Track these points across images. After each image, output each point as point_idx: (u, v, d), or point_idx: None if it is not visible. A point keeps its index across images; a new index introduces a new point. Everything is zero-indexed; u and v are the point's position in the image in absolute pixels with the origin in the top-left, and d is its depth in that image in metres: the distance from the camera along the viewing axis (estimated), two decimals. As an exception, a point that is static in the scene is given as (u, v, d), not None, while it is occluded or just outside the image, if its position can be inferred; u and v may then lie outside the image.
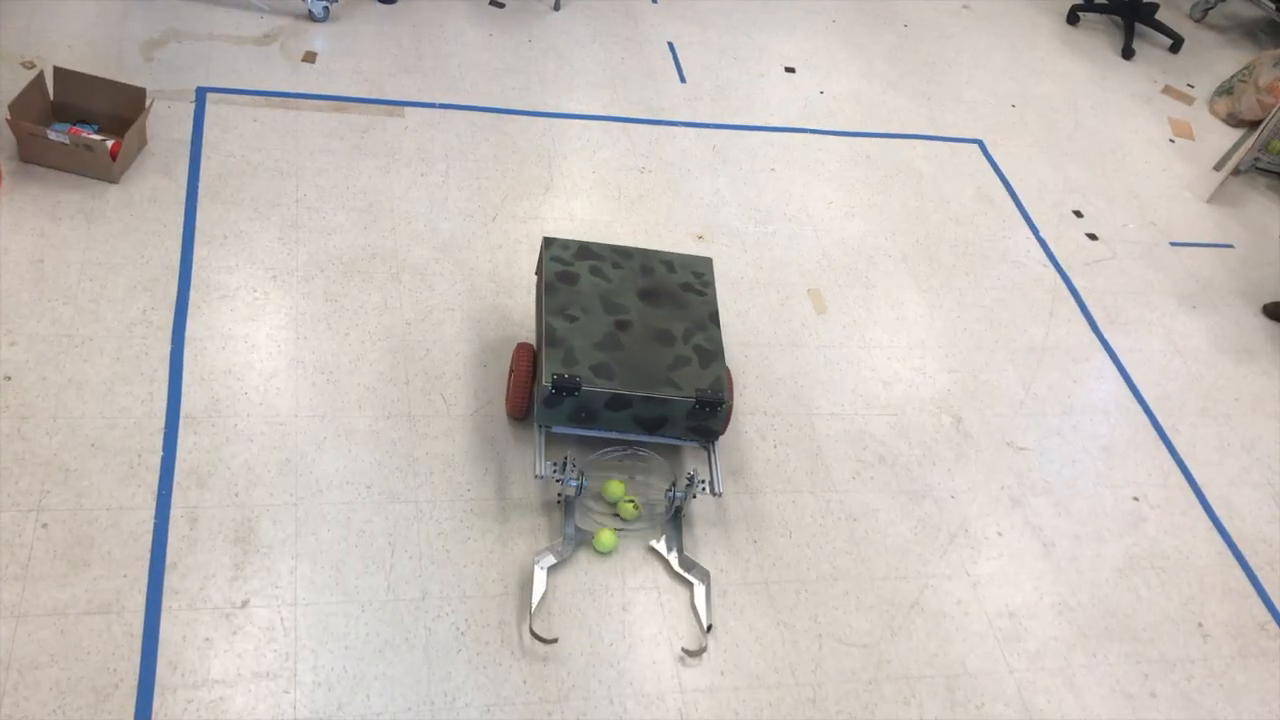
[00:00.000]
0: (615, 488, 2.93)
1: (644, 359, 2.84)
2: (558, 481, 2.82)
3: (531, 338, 3.26)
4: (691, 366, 2.86)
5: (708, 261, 3.15)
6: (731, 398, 2.94)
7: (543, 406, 2.80)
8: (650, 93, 4.45)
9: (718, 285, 3.65)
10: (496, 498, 2.89)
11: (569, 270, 3.01)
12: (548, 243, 3.06)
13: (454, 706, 2.46)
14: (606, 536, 2.82)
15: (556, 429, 2.88)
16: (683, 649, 2.69)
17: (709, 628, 2.72)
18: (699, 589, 2.78)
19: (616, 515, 2.93)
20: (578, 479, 2.80)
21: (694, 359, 2.88)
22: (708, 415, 2.85)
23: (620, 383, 2.77)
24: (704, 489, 2.86)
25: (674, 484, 2.89)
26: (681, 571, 2.81)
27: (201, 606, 2.51)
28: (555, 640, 2.60)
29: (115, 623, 2.44)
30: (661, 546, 2.86)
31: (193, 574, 2.56)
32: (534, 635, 2.60)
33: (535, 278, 3.22)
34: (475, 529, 2.80)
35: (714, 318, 3.01)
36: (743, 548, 2.93)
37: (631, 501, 2.90)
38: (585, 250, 3.08)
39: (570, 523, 2.84)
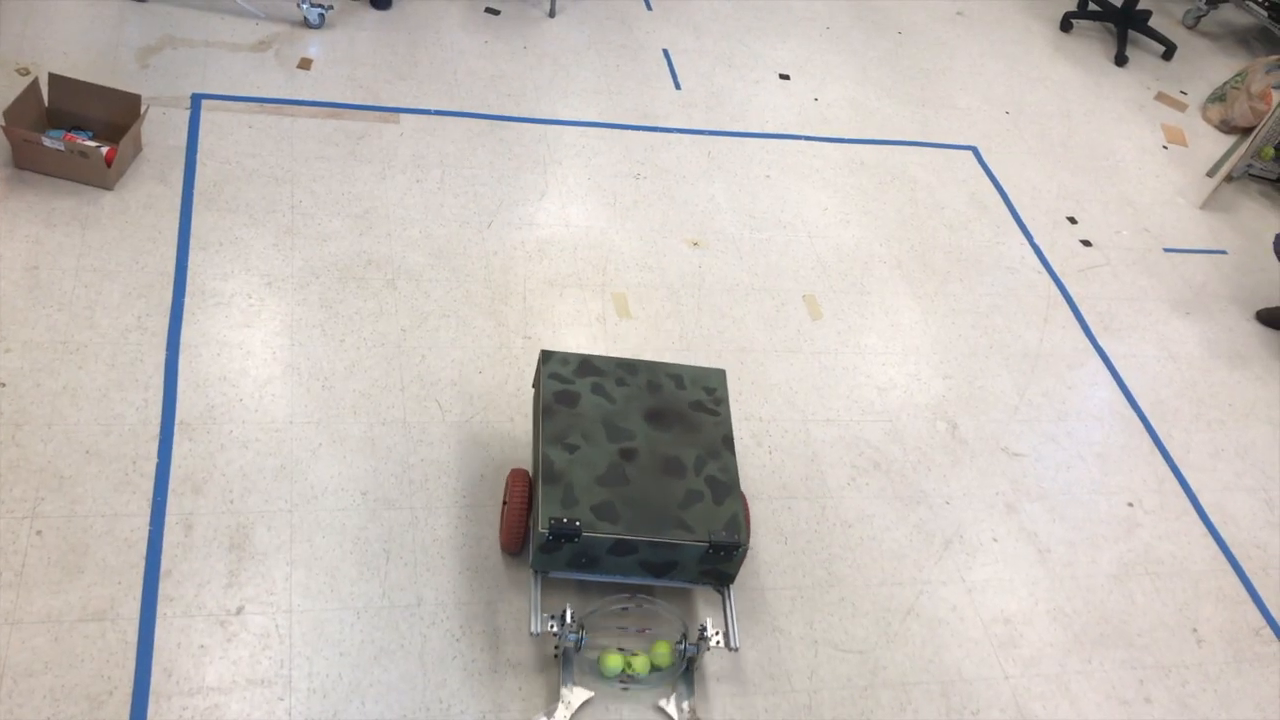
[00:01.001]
0: (613, 661, 2.58)
1: (651, 495, 2.58)
2: (554, 634, 2.53)
3: (526, 457, 3.03)
4: (704, 503, 2.58)
5: (720, 375, 2.89)
6: (748, 535, 2.62)
7: (539, 551, 2.52)
8: (645, 99, 4.46)
9: (713, 290, 3.66)
10: (492, 504, 2.89)
11: (569, 390, 2.74)
12: (546, 357, 2.80)
13: (449, 713, 2.46)
14: (613, 660, 2.57)
15: (554, 574, 2.62)
16: None
17: None
18: None
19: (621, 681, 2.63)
20: (577, 632, 2.51)
21: (707, 493, 2.61)
22: (722, 559, 2.57)
23: (625, 526, 2.50)
24: (718, 642, 2.55)
25: (684, 636, 2.59)
26: None
27: (196, 613, 2.50)
28: None
29: (110, 630, 2.43)
30: (671, 706, 2.57)
31: (187, 581, 2.55)
32: None
33: (532, 390, 3.03)
34: (470, 535, 2.80)
35: (728, 442, 2.73)
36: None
37: (637, 656, 2.62)
38: (587, 365, 2.81)
39: (569, 678, 2.56)
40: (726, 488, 2.64)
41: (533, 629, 2.52)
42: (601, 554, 2.54)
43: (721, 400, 2.84)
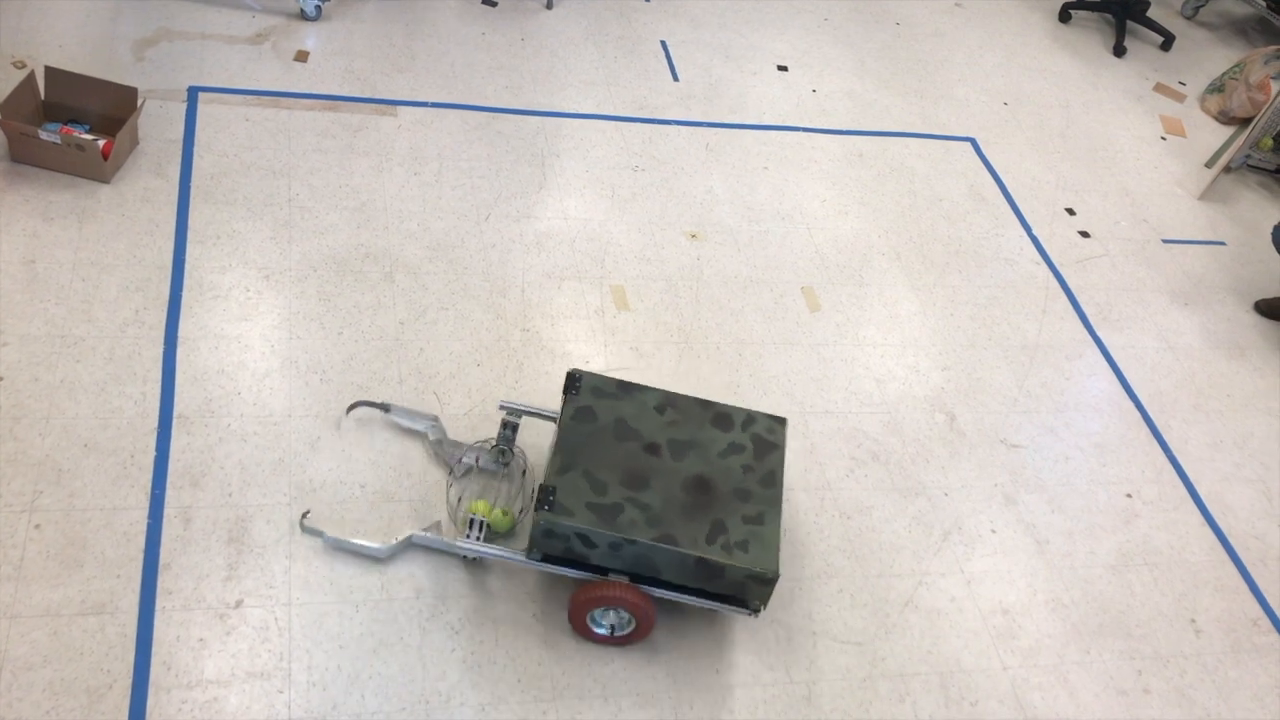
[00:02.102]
0: (480, 506, 2.71)
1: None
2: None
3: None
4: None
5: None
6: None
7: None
8: (643, 91, 4.45)
9: (711, 283, 3.66)
10: (490, 495, 2.89)
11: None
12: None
13: (448, 706, 2.46)
14: (480, 506, 2.70)
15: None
16: None
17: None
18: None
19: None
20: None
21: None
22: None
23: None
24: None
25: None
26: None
27: (195, 607, 2.50)
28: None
29: (109, 623, 2.43)
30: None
31: (186, 574, 2.55)
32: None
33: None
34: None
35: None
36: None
37: (504, 511, 2.75)
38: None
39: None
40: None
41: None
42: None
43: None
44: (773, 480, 2.65)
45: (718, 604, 2.59)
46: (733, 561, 2.46)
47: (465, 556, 2.71)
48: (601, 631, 2.63)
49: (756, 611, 2.59)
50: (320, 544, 2.68)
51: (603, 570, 2.57)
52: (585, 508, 2.49)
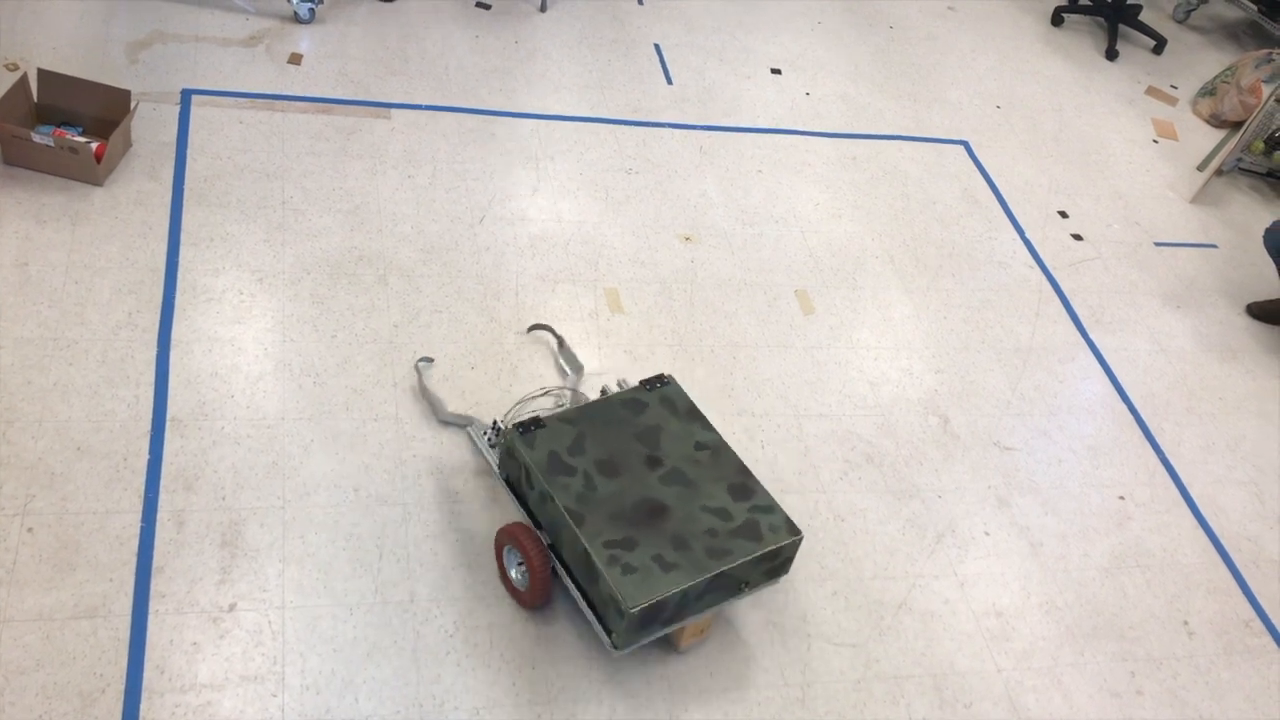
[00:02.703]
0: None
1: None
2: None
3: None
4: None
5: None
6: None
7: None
8: (637, 94, 4.45)
9: (705, 286, 3.66)
10: (485, 500, 2.88)
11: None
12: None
13: (443, 709, 2.46)
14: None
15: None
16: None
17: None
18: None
19: None
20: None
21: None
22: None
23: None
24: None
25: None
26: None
27: (189, 610, 2.50)
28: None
29: (102, 627, 2.42)
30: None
31: (180, 578, 2.55)
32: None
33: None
34: (463, 531, 2.80)
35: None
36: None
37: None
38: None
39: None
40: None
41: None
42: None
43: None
44: (725, 557, 2.49)
45: (591, 614, 2.51)
46: (608, 575, 2.39)
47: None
48: (513, 576, 2.65)
49: (615, 646, 2.45)
50: (313, 546, 2.68)
51: (535, 520, 2.63)
52: (548, 453, 2.57)
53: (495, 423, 2.90)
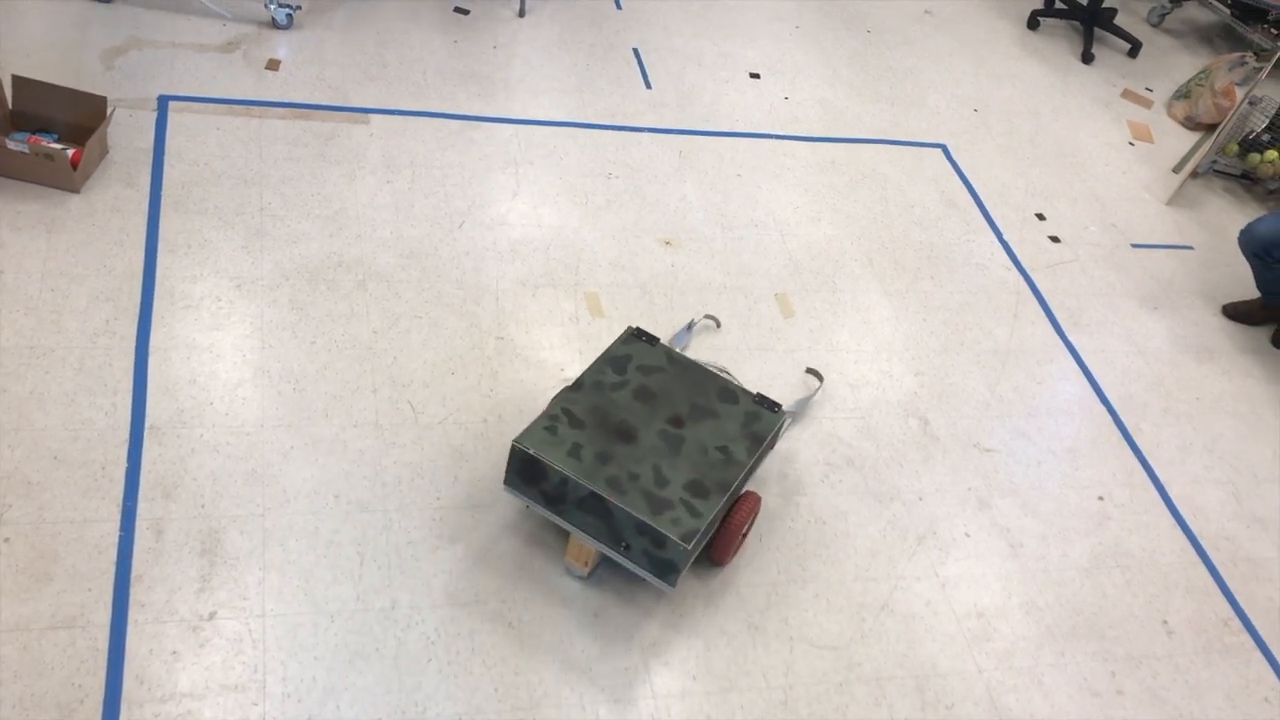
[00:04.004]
0: None
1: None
2: None
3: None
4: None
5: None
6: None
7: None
8: (616, 99, 4.46)
9: (685, 289, 3.67)
10: (466, 506, 2.88)
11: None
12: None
13: (425, 716, 2.45)
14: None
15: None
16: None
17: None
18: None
19: None
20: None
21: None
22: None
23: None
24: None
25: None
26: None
27: (168, 619, 2.48)
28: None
29: (80, 637, 2.40)
30: None
31: (159, 586, 2.53)
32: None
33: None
34: (444, 538, 2.79)
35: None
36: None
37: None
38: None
39: None
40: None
41: None
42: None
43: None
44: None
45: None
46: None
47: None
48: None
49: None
50: (294, 554, 2.66)
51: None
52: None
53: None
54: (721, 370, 3.08)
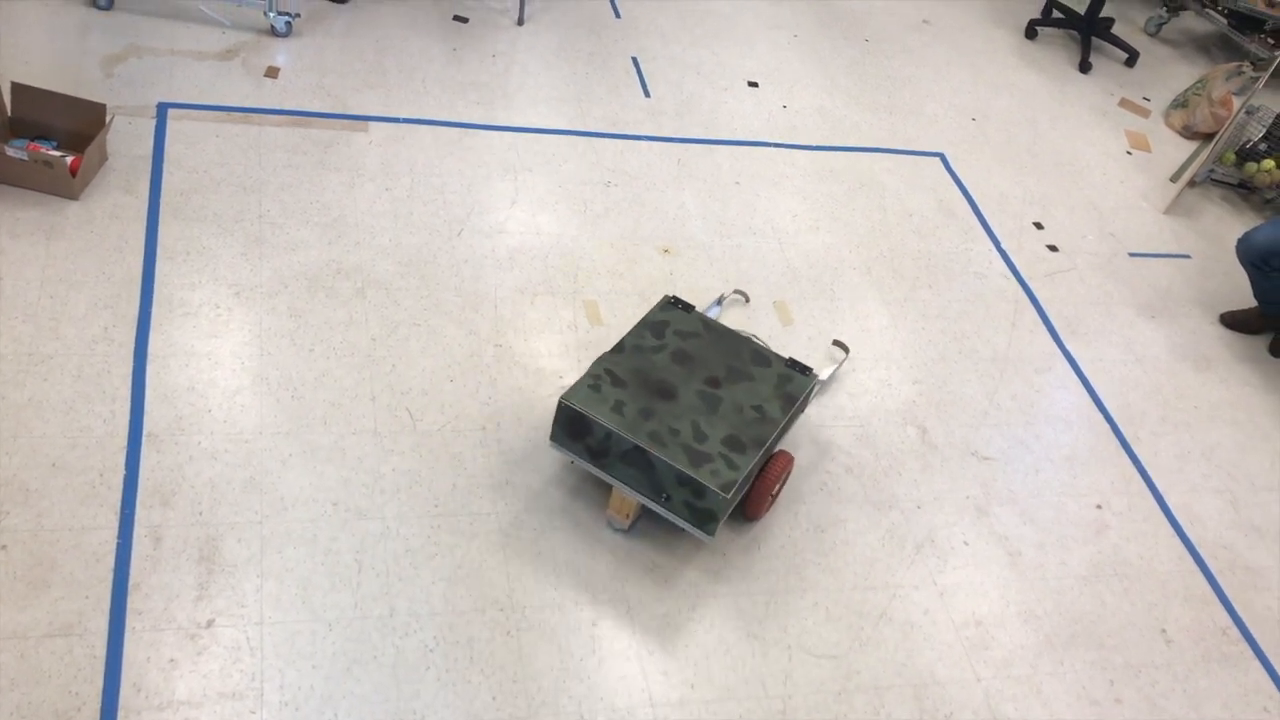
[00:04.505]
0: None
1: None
2: None
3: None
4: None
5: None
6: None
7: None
8: (615, 107, 4.47)
9: (683, 297, 3.66)
10: (464, 513, 2.88)
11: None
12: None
13: (423, 724, 2.45)
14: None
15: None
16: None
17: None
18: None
19: None
20: None
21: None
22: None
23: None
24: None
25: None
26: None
27: (166, 627, 2.48)
28: None
29: (77, 645, 2.40)
30: None
31: (157, 594, 2.53)
32: None
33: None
34: (443, 545, 2.79)
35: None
36: (711, 560, 2.93)
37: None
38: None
39: None
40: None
41: None
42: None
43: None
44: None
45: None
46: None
47: None
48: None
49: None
50: (292, 561, 2.66)
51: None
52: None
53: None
54: (752, 336, 3.19)
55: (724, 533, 3.00)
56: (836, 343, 3.66)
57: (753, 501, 2.95)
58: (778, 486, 2.99)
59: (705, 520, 2.73)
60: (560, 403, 2.79)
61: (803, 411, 3.12)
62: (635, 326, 3.06)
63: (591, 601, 2.76)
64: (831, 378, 3.52)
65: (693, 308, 3.16)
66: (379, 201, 3.70)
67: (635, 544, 2.91)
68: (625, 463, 2.77)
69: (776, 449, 2.97)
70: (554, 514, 2.94)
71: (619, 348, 2.98)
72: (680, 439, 2.76)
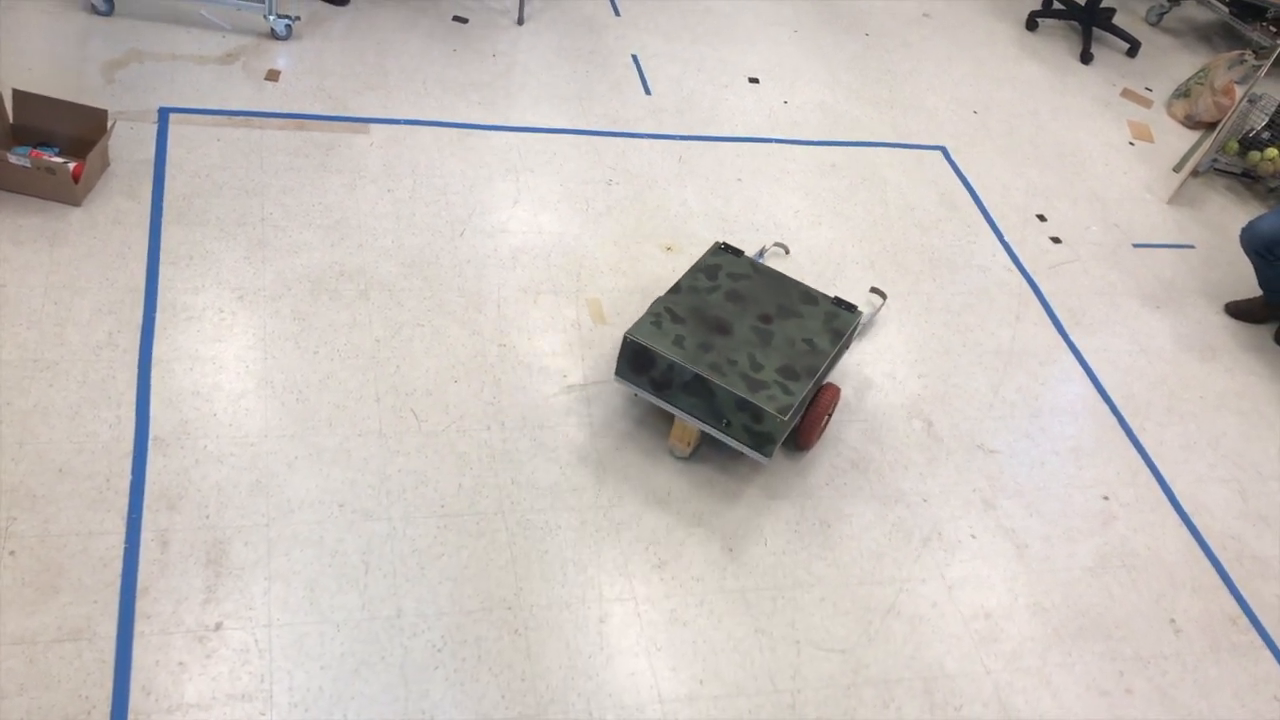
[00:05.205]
0: None
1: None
2: None
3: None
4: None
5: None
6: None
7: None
8: (615, 105, 4.46)
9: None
10: (469, 513, 2.88)
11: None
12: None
13: (432, 724, 2.45)
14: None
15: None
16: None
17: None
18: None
19: None
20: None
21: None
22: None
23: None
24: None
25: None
26: None
27: (174, 630, 2.48)
28: None
29: (86, 649, 2.40)
30: None
31: (165, 598, 2.53)
32: None
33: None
34: (449, 545, 2.79)
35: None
36: (719, 556, 2.93)
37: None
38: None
39: None
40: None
41: None
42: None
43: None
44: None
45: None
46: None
47: None
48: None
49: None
50: (299, 563, 2.66)
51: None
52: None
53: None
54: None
55: (727, 527, 3.00)
56: (874, 290, 3.85)
57: (804, 430, 3.16)
58: (827, 416, 3.20)
59: (763, 443, 2.94)
60: (625, 338, 2.99)
61: (848, 348, 3.34)
62: (689, 270, 3.26)
63: (599, 599, 2.76)
64: (871, 321, 3.73)
65: (742, 252, 3.35)
66: (381, 203, 3.70)
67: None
68: (687, 392, 2.97)
69: (825, 381, 3.19)
70: (559, 511, 2.94)
71: (676, 289, 3.18)
72: (738, 369, 2.96)
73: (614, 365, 3.35)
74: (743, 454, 3.11)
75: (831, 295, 3.28)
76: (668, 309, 3.09)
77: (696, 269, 3.26)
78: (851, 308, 3.26)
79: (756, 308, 3.17)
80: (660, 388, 3.02)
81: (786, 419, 2.86)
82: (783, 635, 2.80)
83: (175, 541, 2.64)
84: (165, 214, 3.45)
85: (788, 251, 3.90)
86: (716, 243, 3.37)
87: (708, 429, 3.01)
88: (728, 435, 2.98)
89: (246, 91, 4.02)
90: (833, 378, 3.46)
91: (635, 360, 3.02)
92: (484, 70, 4.47)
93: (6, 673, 2.33)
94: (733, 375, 2.94)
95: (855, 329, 3.25)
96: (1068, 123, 5.17)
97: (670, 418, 3.16)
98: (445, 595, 2.68)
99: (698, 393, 2.96)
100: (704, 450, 3.19)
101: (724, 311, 3.13)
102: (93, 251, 3.27)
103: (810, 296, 3.27)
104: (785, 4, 5.50)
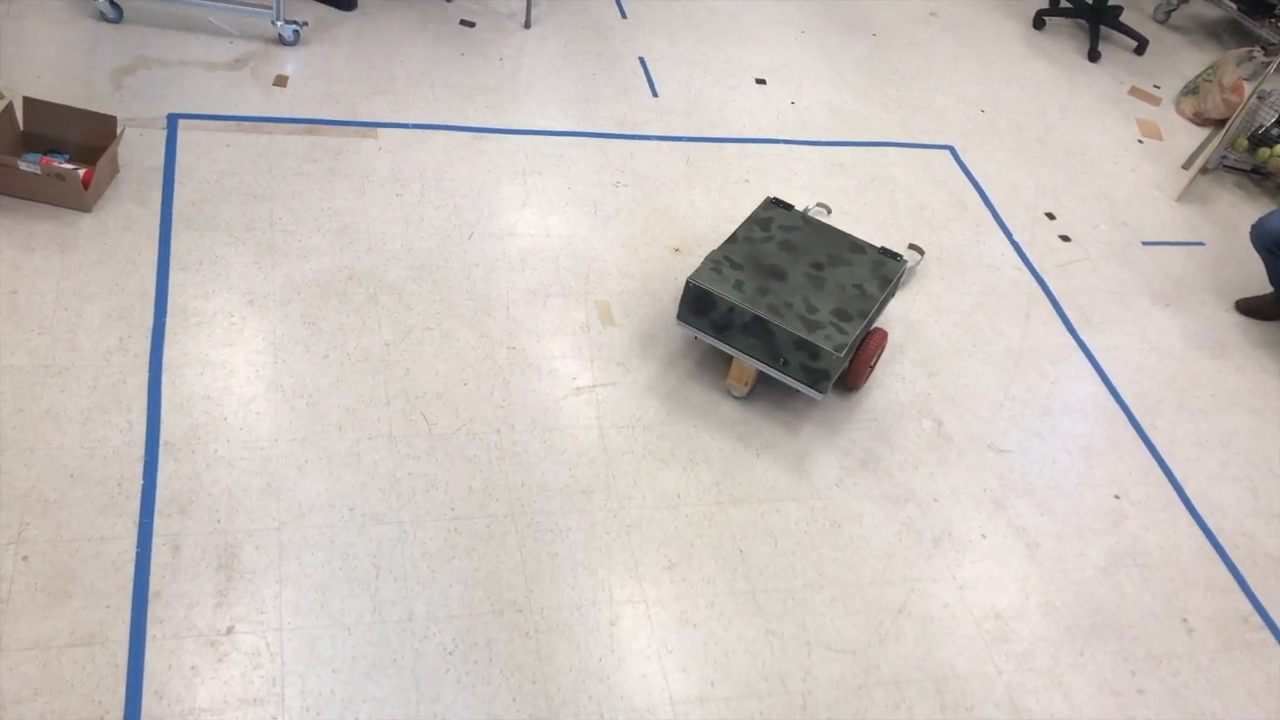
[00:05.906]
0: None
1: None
2: None
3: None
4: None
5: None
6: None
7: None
8: (623, 107, 4.47)
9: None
10: (480, 516, 2.88)
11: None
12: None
13: (444, 727, 2.45)
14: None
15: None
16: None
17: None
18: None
19: None
20: None
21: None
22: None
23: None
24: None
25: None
26: None
27: (186, 634, 2.49)
28: None
29: (99, 654, 2.41)
30: None
31: (177, 602, 2.54)
32: None
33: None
34: (460, 548, 2.79)
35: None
36: (729, 556, 2.93)
37: None
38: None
39: None
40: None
41: None
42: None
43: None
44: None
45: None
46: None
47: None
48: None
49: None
50: (310, 567, 2.67)
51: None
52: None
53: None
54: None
55: (737, 528, 3.00)
56: (913, 246, 4.05)
57: (854, 372, 3.35)
58: (875, 358, 3.40)
59: (819, 379, 3.13)
60: (688, 283, 3.18)
61: (894, 295, 3.56)
62: (744, 222, 3.47)
63: (609, 601, 2.76)
64: (912, 271, 3.95)
65: (792, 206, 3.56)
66: (390, 207, 3.71)
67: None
68: (746, 333, 3.17)
69: (874, 326, 3.40)
70: (569, 514, 2.94)
71: (732, 239, 3.38)
72: (794, 310, 3.15)
73: (624, 365, 3.35)
74: (757, 451, 3.13)
75: (879, 246, 3.50)
76: (726, 257, 3.29)
77: (751, 221, 3.46)
78: (897, 256, 3.45)
79: (808, 256, 3.36)
80: (720, 329, 3.21)
81: (842, 355, 3.05)
82: (793, 636, 2.80)
83: (187, 546, 2.65)
84: (175, 220, 3.46)
85: (829, 211, 4.09)
86: (768, 197, 3.57)
87: (765, 368, 3.20)
88: (785, 374, 3.17)
89: (255, 97, 4.03)
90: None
91: (697, 304, 3.20)
92: (491, 74, 4.48)
93: (21, 678, 2.34)
94: (790, 316, 3.12)
95: (901, 276, 3.42)
96: (1076, 121, 5.16)
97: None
98: (456, 598, 2.69)
99: (757, 333, 3.14)
100: (712, 455, 3.19)
101: (778, 259, 3.32)
102: (103, 257, 3.28)
103: (858, 246, 3.46)
104: (792, 4, 5.50)
